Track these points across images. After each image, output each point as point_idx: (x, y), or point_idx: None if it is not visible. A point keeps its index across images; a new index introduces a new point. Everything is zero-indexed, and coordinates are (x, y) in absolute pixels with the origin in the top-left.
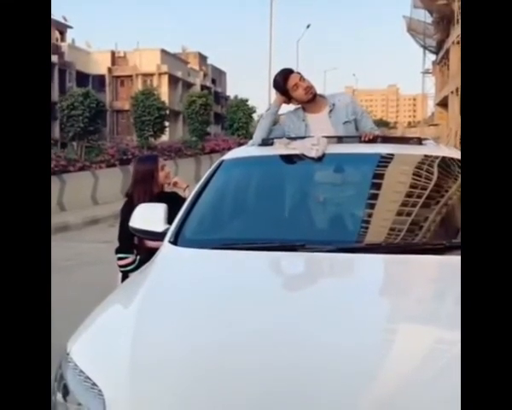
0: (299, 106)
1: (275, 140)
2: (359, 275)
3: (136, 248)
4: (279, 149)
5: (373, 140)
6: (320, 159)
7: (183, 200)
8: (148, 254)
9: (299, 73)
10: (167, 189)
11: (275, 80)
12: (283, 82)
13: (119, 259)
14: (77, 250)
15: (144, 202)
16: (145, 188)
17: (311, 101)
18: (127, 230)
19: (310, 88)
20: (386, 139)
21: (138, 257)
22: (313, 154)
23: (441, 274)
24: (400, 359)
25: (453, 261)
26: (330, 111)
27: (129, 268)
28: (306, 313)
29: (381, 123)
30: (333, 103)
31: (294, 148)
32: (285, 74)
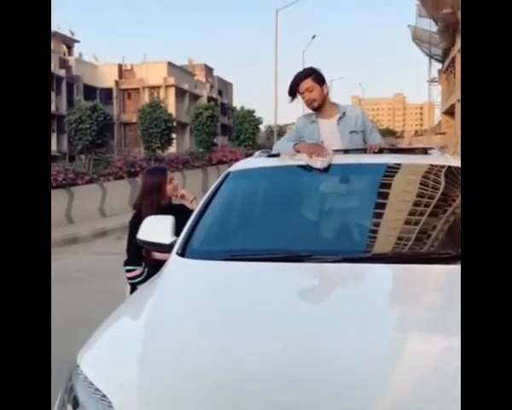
0: (312, 112)
1: (281, 152)
2: (366, 285)
3: (144, 261)
4: (285, 160)
5: (379, 153)
6: (326, 170)
7: (190, 212)
8: (155, 266)
9: (315, 80)
10: (175, 201)
11: (293, 79)
12: (296, 85)
13: (127, 271)
14: (86, 262)
15: (152, 213)
16: (153, 200)
17: (316, 109)
18: (135, 242)
19: (312, 101)
20: (392, 151)
21: (146, 269)
22: (319, 165)
23: (448, 283)
24: (410, 367)
25: (459, 270)
26: (339, 119)
27: (137, 280)
28: (313, 323)
29: (387, 132)
30: (343, 112)
31: (300, 159)
32: (299, 79)
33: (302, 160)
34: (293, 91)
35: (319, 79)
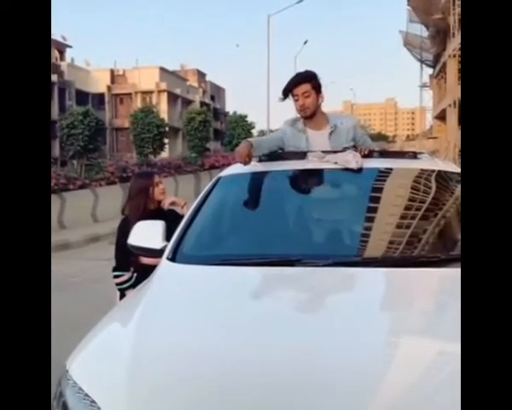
0: (299, 118)
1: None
2: (356, 289)
3: (133, 266)
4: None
5: (368, 155)
6: (360, 170)
7: (180, 218)
8: (144, 272)
9: (313, 87)
10: (165, 207)
11: (291, 79)
12: (293, 86)
13: (115, 277)
14: (79, 268)
15: (138, 217)
16: (139, 203)
17: (307, 117)
18: (123, 247)
19: (306, 107)
20: (382, 154)
21: (135, 274)
22: (353, 165)
23: (438, 287)
24: (402, 372)
25: (449, 274)
26: (331, 133)
27: (125, 286)
28: (304, 326)
29: (379, 137)
30: (334, 125)
31: (328, 160)
32: (297, 80)
33: (335, 162)
34: (288, 92)
35: (317, 86)
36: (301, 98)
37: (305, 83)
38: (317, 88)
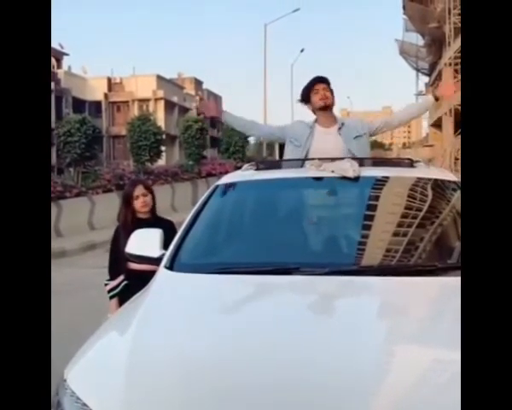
0: (311, 120)
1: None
2: (353, 297)
3: (123, 272)
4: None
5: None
6: (357, 179)
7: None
8: (134, 278)
9: (327, 85)
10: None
11: (311, 81)
12: (312, 86)
13: (105, 285)
14: (75, 276)
15: (127, 225)
16: (126, 211)
17: (323, 110)
18: (116, 255)
19: (326, 98)
20: (379, 161)
21: (124, 282)
22: (351, 174)
23: (434, 295)
24: (401, 377)
25: (446, 282)
26: (340, 128)
27: (112, 293)
28: (303, 333)
29: (376, 145)
30: (342, 122)
31: (325, 169)
32: (315, 81)
33: (332, 170)
34: (309, 91)
35: (332, 90)
36: (322, 91)
37: (324, 83)
38: (332, 91)
